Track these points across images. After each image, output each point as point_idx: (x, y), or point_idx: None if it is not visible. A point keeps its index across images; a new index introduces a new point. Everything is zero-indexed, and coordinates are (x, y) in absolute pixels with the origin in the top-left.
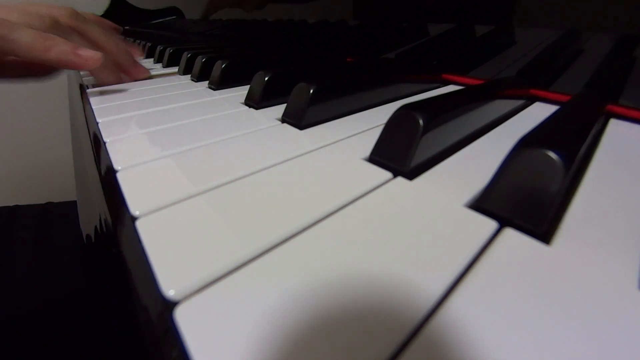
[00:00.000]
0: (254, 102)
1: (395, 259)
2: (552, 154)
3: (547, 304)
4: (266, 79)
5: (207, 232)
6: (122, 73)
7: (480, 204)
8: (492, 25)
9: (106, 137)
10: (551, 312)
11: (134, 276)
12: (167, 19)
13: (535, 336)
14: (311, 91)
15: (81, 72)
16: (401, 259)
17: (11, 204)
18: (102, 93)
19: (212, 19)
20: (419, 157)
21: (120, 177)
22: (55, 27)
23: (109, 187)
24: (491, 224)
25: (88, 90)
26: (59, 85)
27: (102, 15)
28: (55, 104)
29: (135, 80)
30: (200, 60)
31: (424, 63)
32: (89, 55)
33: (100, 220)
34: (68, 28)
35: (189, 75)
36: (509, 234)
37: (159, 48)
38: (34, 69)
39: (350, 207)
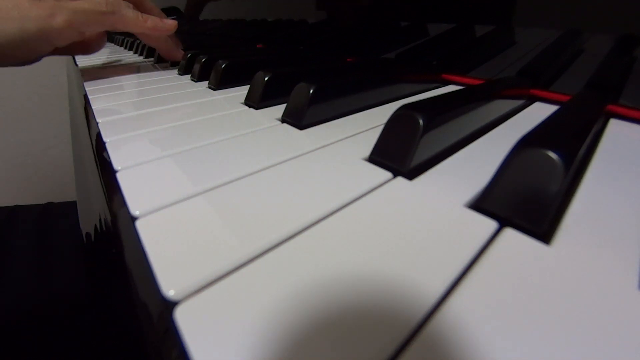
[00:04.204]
0: (254, 102)
1: (395, 258)
2: (552, 154)
3: (547, 304)
4: (266, 79)
5: (207, 232)
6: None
7: (480, 204)
8: (492, 25)
9: (106, 137)
10: (551, 312)
11: (134, 276)
12: None
13: (535, 336)
14: (311, 91)
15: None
16: (401, 259)
17: (11, 204)
18: (102, 93)
19: (204, 19)
20: (419, 157)
21: (120, 177)
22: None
23: (109, 187)
24: (491, 224)
25: (88, 90)
26: (59, 85)
27: None
28: (55, 104)
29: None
30: (200, 60)
31: (424, 63)
32: (171, 23)
33: (100, 220)
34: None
35: (189, 75)
36: (509, 234)
37: None
38: (90, 46)
39: (350, 207)
